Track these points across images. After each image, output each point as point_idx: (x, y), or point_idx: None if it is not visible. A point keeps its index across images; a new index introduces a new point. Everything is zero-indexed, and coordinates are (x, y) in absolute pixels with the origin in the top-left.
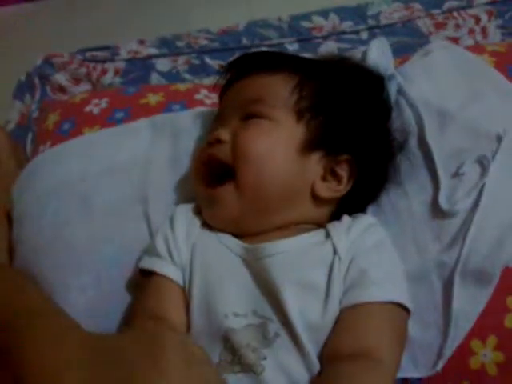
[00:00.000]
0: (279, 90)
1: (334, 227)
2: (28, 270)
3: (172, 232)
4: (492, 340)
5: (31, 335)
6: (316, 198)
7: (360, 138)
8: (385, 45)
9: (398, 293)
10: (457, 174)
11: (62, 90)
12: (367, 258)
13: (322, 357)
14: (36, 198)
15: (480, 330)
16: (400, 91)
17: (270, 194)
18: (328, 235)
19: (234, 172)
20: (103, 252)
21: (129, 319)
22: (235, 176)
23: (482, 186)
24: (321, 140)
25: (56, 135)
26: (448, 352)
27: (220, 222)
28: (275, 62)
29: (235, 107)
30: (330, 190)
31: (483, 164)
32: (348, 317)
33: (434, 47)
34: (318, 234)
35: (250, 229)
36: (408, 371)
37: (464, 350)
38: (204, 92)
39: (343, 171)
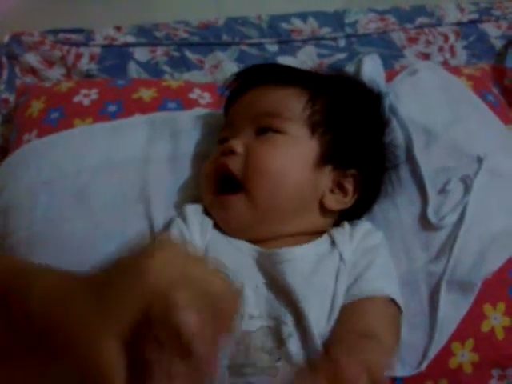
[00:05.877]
0: (292, 104)
1: (339, 234)
2: None
3: (187, 227)
4: (470, 342)
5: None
6: (324, 209)
7: (365, 152)
8: (377, 61)
9: (390, 289)
10: (443, 191)
11: (33, 71)
12: (365, 259)
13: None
14: (25, 190)
15: (460, 333)
16: (391, 108)
17: (283, 207)
18: (334, 243)
19: (243, 186)
20: (104, 250)
21: None
22: (244, 189)
23: (466, 203)
24: (332, 154)
25: (43, 124)
26: (432, 353)
27: (231, 227)
28: (286, 75)
29: (248, 119)
30: (338, 202)
31: (466, 183)
32: (348, 312)
33: (421, 67)
34: (325, 241)
35: (259, 236)
36: (395, 370)
37: (445, 352)
38: (197, 91)
39: (349, 185)
